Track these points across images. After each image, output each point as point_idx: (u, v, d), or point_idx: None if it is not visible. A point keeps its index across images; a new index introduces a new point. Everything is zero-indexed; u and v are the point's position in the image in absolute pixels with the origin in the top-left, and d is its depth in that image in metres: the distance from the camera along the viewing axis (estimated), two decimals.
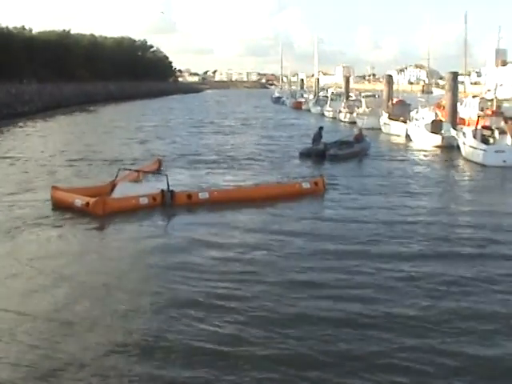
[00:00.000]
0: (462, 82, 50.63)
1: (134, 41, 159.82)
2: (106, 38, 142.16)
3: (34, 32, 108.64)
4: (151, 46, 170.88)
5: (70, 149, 35.57)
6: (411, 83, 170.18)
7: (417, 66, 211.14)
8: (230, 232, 16.74)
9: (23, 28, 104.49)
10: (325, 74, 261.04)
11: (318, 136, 33.66)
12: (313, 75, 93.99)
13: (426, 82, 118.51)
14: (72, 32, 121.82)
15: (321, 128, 34.61)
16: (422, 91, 73.77)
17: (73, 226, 17.19)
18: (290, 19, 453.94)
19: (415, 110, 48.74)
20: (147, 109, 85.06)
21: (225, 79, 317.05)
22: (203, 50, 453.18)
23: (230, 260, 14.05)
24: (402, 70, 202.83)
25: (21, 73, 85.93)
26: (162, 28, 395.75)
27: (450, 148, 36.15)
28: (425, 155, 35.45)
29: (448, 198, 23.04)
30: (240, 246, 15.14)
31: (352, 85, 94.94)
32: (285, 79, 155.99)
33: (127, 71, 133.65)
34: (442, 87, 60.00)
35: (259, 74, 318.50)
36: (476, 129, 32.60)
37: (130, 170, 23.87)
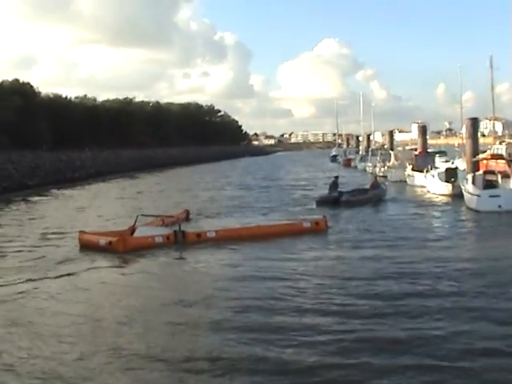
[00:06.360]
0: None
1: (201, 106, 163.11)
2: (171, 103, 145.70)
3: (98, 101, 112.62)
4: (219, 111, 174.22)
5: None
6: (484, 135, 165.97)
7: (493, 119, 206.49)
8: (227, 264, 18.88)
9: (85, 97, 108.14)
10: (400, 132, 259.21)
11: (333, 184, 36.17)
12: (390, 133, 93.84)
13: (499, 134, 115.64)
14: (139, 99, 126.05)
15: (336, 177, 37.58)
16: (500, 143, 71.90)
17: (98, 262, 19.65)
18: (366, 79, 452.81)
19: (451, 161, 48.10)
20: (197, 172, 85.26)
21: (301, 141, 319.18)
22: (281, 112, 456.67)
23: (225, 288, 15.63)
24: None
25: (83, 141, 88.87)
26: (239, 93, 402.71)
27: (461, 196, 34.70)
28: (433, 204, 34.50)
29: (430, 247, 20.77)
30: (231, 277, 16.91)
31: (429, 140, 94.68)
32: (361, 138, 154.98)
33: (193, 136, 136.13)
34: None
35: (334, 134, 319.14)
36: (475, 174, 31.36)
37: (148, 215, 26.35)
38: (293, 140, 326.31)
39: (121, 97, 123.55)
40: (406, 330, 11.47)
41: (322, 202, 34.15)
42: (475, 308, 12.85)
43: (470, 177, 31.94)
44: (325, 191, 37.29)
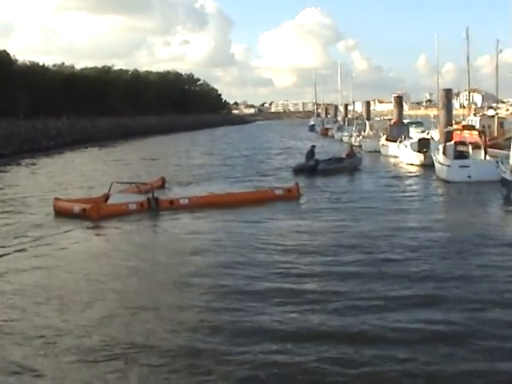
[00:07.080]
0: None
1: (181, 74, 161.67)
2: (150, 72, 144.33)
3: (76, 69, 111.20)
4: (198, 79, 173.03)
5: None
6: (463, 107, 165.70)
7: (472, 90, 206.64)
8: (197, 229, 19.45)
9: (63, 65, 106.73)
10: (381, 102, 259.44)
11: (310, 153, 36.73)
12: (367, 103, 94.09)
13: (479, 105, 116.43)
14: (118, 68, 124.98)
15: (313, 146, 37.90)
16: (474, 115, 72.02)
17: (71, 229, 19.77)
18: (347, 49, 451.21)
19: (426, 132, 48.51)
20: (175, 141, 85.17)
21: (281, 110, 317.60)
22: (262, 81, 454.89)
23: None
24: (457, 95, 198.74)
25: (60, 109, 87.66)
26: (219, 61, 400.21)
27: (433, 166, 34.85)
28: (404, 174, 34.75)
29: (395, 217, 20.70)
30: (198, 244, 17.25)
31: (407, 111, 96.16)
32: (341, 108, 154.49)
33: (172, 105, 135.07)
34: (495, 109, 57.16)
35: (314, 103, 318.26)
36: (446, 144, 31.58)
37: (123, 182, 26.70)
38: (273, 109, 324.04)
39: (99, 65, 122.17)
40: (363, 311, 10.99)
41: (299, 171, 34.91)
42: (442, 287, 12.28)
43: (441, 147, 32.15)
44: (301, 160, 37.76)
